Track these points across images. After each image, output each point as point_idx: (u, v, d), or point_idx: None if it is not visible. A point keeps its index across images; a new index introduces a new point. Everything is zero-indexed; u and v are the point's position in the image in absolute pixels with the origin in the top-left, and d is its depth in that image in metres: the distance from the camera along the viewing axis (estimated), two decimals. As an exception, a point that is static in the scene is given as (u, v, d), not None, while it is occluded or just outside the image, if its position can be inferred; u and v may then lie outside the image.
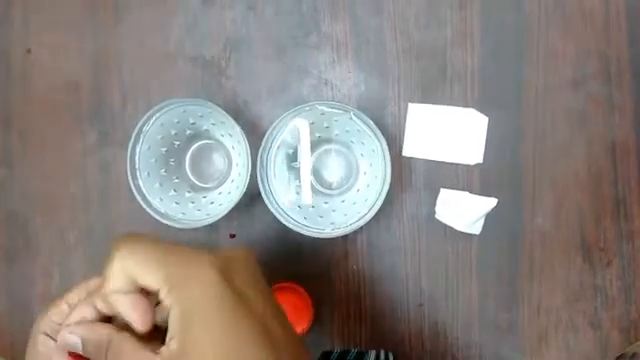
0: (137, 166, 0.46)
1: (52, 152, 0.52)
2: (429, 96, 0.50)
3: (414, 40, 0.50)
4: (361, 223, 0.45)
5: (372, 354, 0.33)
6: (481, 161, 0.49)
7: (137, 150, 0.46)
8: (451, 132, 0.49)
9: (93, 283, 0.31)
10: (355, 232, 0.45)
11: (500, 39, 0.50)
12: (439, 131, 0.49)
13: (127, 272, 0.27)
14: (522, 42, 0.49)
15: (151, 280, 0.26)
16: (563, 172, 0.49)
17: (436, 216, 0.49)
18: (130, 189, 0.46)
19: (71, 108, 0.52)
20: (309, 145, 0.45)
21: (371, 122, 0.44)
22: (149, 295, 0.27)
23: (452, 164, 0.49)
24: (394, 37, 0.50)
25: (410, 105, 0.50)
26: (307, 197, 0.45)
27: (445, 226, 0.49)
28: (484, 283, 0.49)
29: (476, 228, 0.49)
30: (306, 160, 0.45)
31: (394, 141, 0.50)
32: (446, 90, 0.50)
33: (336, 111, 0.45)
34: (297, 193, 0.47)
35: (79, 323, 0.28)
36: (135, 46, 0.52)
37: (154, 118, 0.46)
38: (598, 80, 0.49)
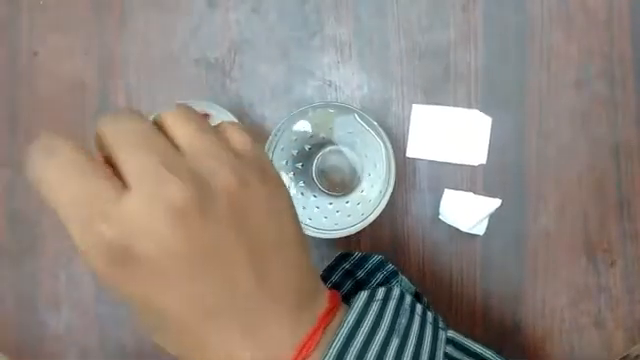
0: None
1: (58, 154, 0.53)
2: (433, 97, 0.50)
3: (417, 41, 0.50)
4: (365, 224, 0.45)
5: (398, 284, 0.30)
6: (485, 162, 0.49)
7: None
8: (455, 133, 0.49)
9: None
10: (359, 233, 0.45)
11: (503, 40, 0.50)
12: (443, 132, 0.50)
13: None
14: (525, 43, 0.49)
15: None
16: (567, 172, 0.49)
17: (440, 217, 0.49)
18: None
19: (76, 109, 0.52)
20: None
21: (375, 123, 0.44)
22: None
23: (456, 165, 0.50)
24: (398, 38, 0.50)
25: (414, 106, 0.50)
26: None
27: (449, 227, 0.49)
28: (488, 284, 0.49)
29: (480, 229, 0.49)
30: None
31: (398, 142, 0.50)
32: (450, 91, 0.50)
33: (340, 112, 0.45)
34: (302, 194, 0.47)
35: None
36: (140, 48, 0.52)
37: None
38: (601, 81, 0.49)
